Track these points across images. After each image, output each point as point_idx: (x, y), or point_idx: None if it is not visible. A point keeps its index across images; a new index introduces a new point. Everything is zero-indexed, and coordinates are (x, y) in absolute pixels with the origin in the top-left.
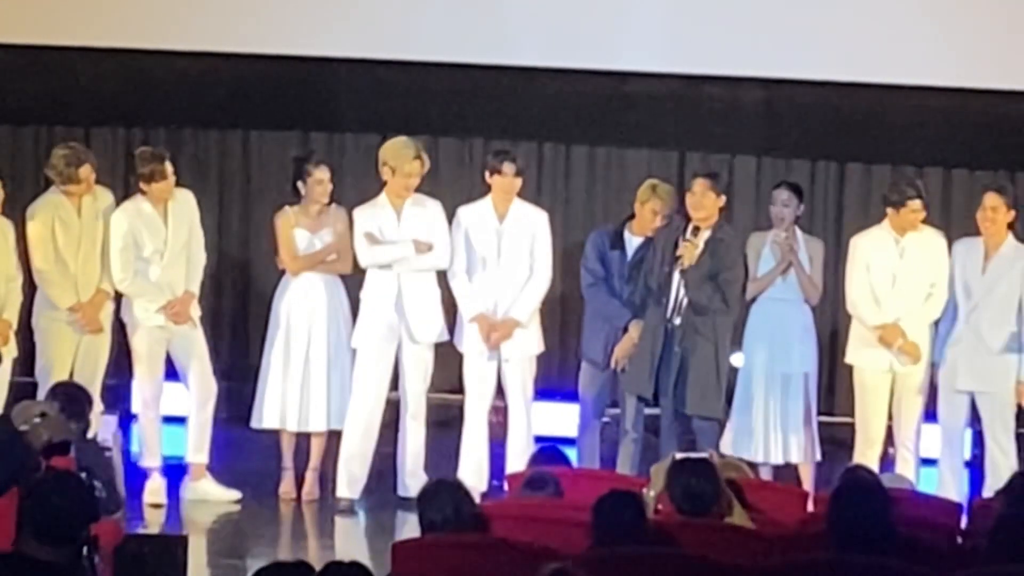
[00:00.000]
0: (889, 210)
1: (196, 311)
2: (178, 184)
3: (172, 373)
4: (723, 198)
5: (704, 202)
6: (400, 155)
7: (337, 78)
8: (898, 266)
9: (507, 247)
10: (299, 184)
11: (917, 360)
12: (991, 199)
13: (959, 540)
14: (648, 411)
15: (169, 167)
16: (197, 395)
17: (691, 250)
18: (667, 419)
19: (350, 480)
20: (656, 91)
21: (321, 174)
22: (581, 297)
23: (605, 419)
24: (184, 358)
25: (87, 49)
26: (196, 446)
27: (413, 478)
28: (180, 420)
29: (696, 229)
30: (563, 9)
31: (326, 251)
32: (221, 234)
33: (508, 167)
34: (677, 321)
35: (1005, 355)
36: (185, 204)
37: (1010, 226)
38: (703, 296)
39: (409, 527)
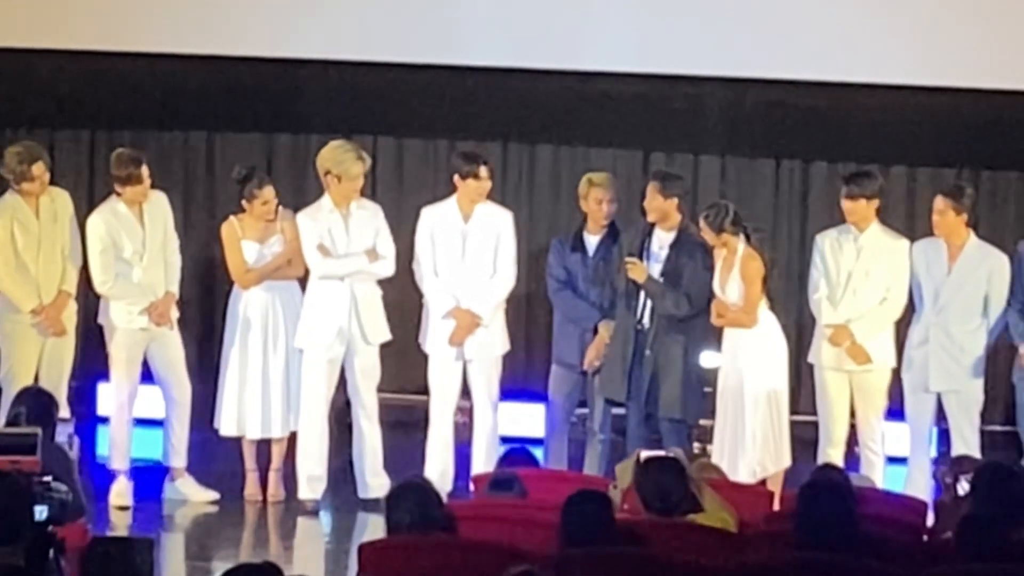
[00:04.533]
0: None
1: (175, 313)
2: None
3: (144, 376)
4: (675, 200)
5: (652, 204)
6: (342, 161)
7: (301, 80)
8: (854, 265)
9: (472, 247)
10: (244, 203)
11: (862, 363)
12: (937, 202)
13: (925, 538)
14: (615, 411)
15: (145, 170)
16: (175, 398)
17: (637, 270)
18: (635, 420)
19: (310, 480)
20: (620, 91)
21: (266, 195)
22: (546, 298)
23: (572, 419)
24: (162, 361)
25: (50, 51)
26: (176, 450)
27: (374, 478)
28: (149, 423)
29: (651, 226)
30: (527, 9)
31: (276, 262)
32: (186, 235)
33: (484, 171)
34: (647, 323)
35: (974, 354)
36: (159, 205)
37: (972, 225)
38: (669, 305)
39: (371, 528)
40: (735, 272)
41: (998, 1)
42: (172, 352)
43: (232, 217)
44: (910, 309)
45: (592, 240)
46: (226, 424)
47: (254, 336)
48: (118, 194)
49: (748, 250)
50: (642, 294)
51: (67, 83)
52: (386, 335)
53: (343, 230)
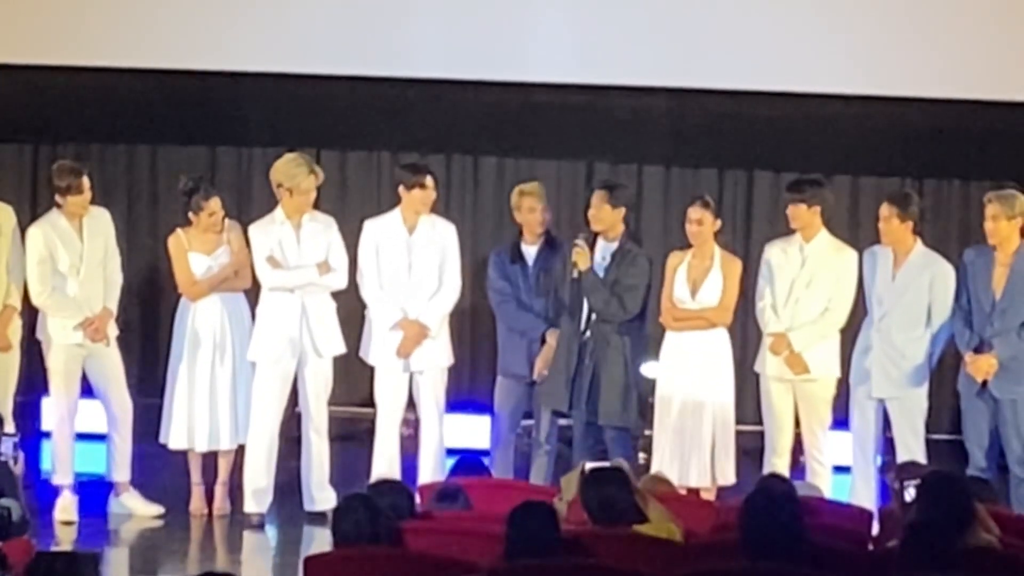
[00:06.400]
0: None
1: (113, 330)
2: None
3: (86, 391)
4: (622, 210)
5: (600, 214)
6: (294, 175)
7: (243, 92)
8: (797, 274)
9: (417, 260)
10: (191, 215)
11: (799, 372)
12: (883, 209)
13: (870, 547)
14: (561, 422)
15: (86, 181)
16: (115, 414)
17: (582, 256)
18: (579, 430)
19: (256, 494)
20: (563, 102)
21: (213, 207)
22: (491, 310)
23: (517, 431)
24: (100, 377)
25: None
26: (119, 465)
27: (320, 491)
28: (94, 437)
29: (595, 236)
30: (469, 21)
31: (223, 273)
32: (130, 248)
33: (430, 181)
34: (588, 333)
35: (916, 361)
36: (100, 220)
37: (917, 232)
38: (599, 300)
39: (317, 541)
40: (715, 272)
41: (938, 13)
42: (110, 368)
43: (179, 229)
44: (858, 319)
45: (531, 251)
46: (175, 438)
47: (203, 348)
48: (59, 206)
49: (725, 252)
50: (585, 304)
51: (9, 97)
52: (340, 348)
53: (294, 242)
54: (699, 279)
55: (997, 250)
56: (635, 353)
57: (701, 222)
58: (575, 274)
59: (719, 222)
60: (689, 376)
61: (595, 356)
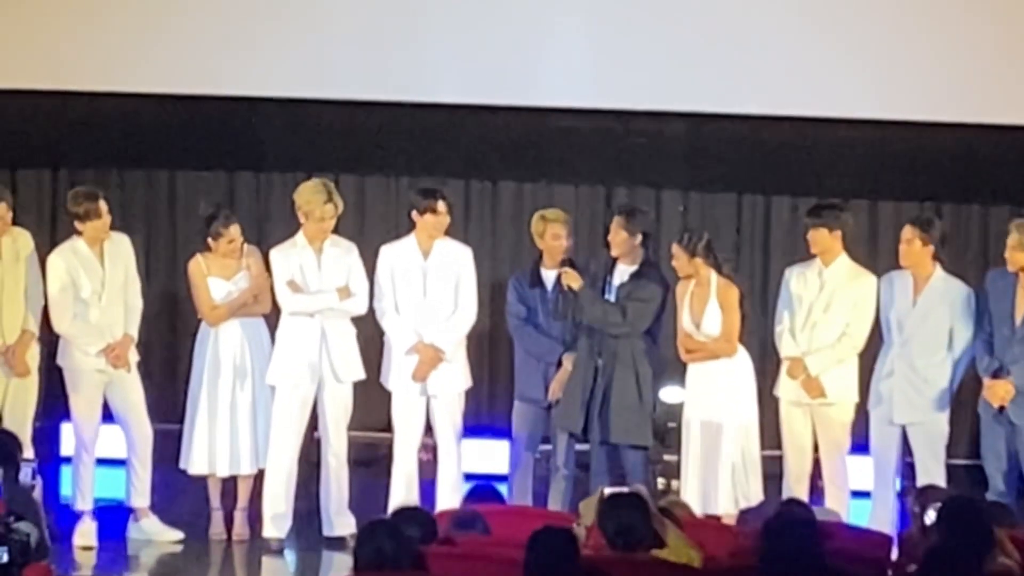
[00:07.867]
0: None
1: (134, 356)
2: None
3: (106, 416)
4: (639, 236)
5: (615, 239)
6: (311, 200)
7: (262, 117)
8: (816, 299)
9: (432, 284)
10: (210, 241)
11: (816, 396)
12: (905, 231)
13: (889, 572)
14: (579, 447)
15: (103, 205)
16: (135, 440)
17: (570, 276)
18: (596, 453)
19: (275, 519)
20: (581, 127)
21: (232, 233)
22: (508, 334)
23: (536, 455)
24: (121, 403)
25: (11, 92)
26: (139, 490)
27: (339, 516)
28: (114, 463)
29: (611, 268)
30: (487, 47)
31: (243, 298)
32: (149, 273)
33: (442, 205)
34: (601, 353)
35: (938, 386)
36: (121, 246)
37: (937, 258)
38: (596, 312)
39: (336, 567)
40: (712, 302)
41: (957, 37)
42: (130, 394)
43: (198, 255)
44: (878, 344)
45: (550, 275)
46: (196, 463)
47: (223, 374)
48: (79, 233)
49: (722, 279)
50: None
51: (29, 123)
52: (359, 373)
53: (315, 267)
54: (699, 309)
55: (1020, 274)
56: (649, 372)
57: (677, 258)
58: (570, 292)
59: (697, 259)
60: (713, 402)
61: (607, 374)
